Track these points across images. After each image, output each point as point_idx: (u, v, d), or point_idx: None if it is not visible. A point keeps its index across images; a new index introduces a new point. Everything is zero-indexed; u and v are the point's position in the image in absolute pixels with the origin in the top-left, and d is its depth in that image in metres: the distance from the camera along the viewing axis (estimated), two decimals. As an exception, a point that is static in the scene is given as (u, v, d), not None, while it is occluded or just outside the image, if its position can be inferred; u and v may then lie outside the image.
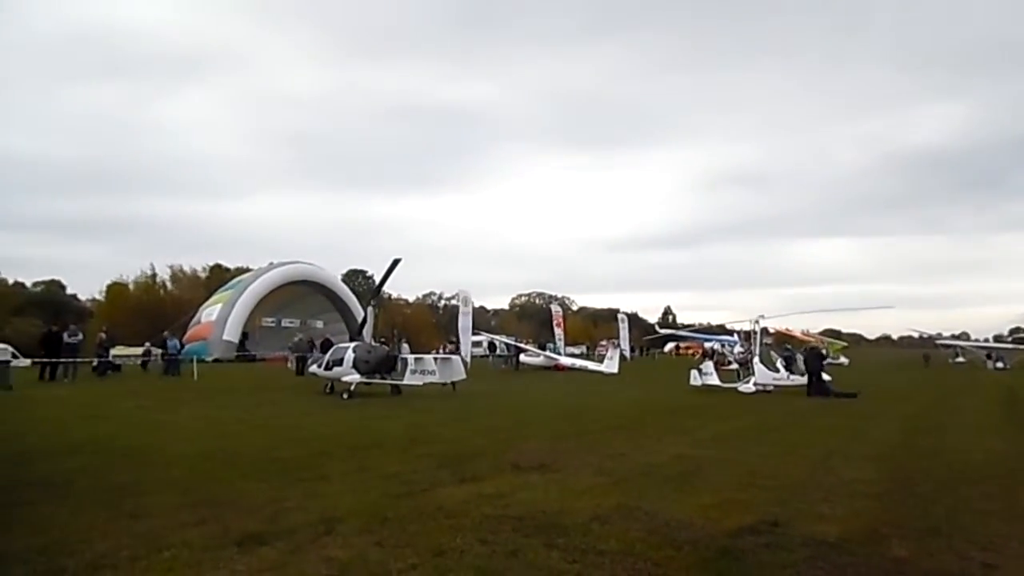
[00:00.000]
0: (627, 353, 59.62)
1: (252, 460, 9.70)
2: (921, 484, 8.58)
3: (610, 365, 36.80)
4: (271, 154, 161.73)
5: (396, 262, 22.00)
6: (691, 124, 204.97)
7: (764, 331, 29.34)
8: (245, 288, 46.77)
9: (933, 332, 78.84)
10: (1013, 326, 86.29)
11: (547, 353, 43.32)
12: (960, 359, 61.62)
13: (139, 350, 36.60)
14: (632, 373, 38.62)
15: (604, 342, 67.02)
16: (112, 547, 5.58)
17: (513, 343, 45.57)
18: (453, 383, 21.70)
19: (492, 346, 48.72)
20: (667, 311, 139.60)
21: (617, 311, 76.18)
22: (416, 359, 22.51)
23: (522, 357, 41.51)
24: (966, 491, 8.16)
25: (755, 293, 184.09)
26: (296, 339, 40.68)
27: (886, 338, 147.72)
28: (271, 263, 52.80)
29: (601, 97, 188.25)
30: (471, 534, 6.05)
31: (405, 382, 21.18)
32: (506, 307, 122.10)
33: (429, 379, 21.09)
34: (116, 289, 61.35)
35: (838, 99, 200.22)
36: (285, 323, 50.52)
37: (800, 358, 27.38)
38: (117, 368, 30.92)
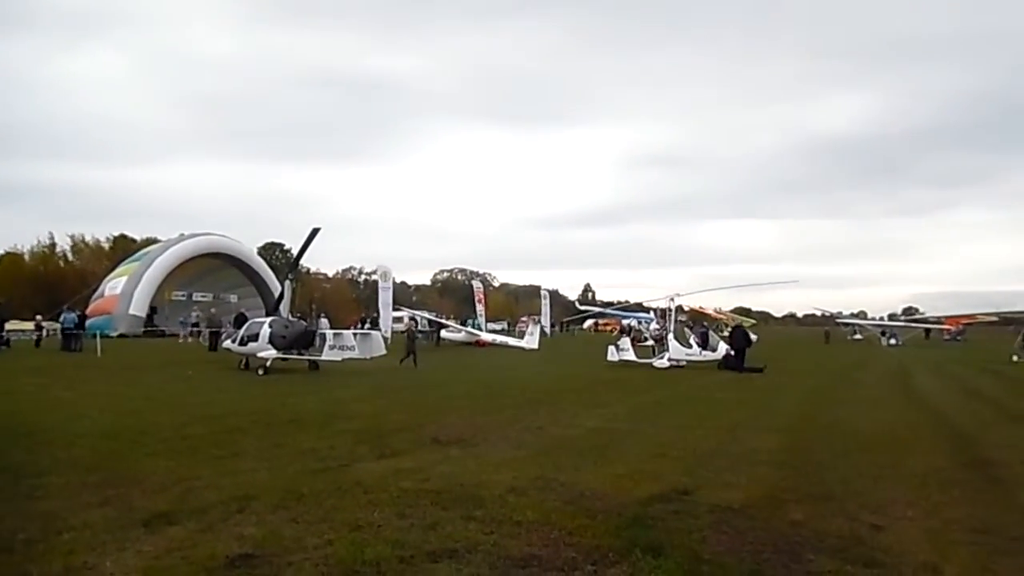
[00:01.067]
0: (547, 329, 60.44)
1: (160, 438, 9.36)
2: (818, 453, 9.12)
3: (531, 341, 37.24)
4: (183, 119, 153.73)
5: (315, 231, 21.47)
6: (615, 104, 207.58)
7: (679, 308, 30.24)
8: (153, 260, 44.63)
9: (834, 311, 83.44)
10: (906, 305, 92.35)
11: (468, 329, 43.41)
12: (858, 336, 65.37)
13: (30, 324, 34.56)
14: (552, 349, 39.19)
15: (525, 318, 67.58)
16: (6, 530, 5.30)
17: (435, 319, 45.40)
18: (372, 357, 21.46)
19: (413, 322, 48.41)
20: (587, 288, 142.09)
21: (539, 288, 76.94)
22: (335, 334, 22.15)
23: (443, 333, 41.44)
24: (858, 459, 8.73)
25: (671, 271, 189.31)
26: (194, 314, 39.32)
27: (791, 316, 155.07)
28: (181, 234, 50.52)
29: (528, 74, 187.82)
30: (389, 508, 6.05)
31: (324, 358, 20.83)
32: (428, 283, 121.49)
33: (348, 355, 20.80)
34: (9, 259, 57.56)
35: (752, 85, 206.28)
36: (197, 297, 48.55)
37: (713, 335, 28.47)
38: (6, 344, 28.95)
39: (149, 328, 42.59)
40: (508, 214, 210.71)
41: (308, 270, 77.85)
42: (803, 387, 19.16)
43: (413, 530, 5.49)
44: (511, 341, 40.61)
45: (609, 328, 72.77)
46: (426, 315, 49.73)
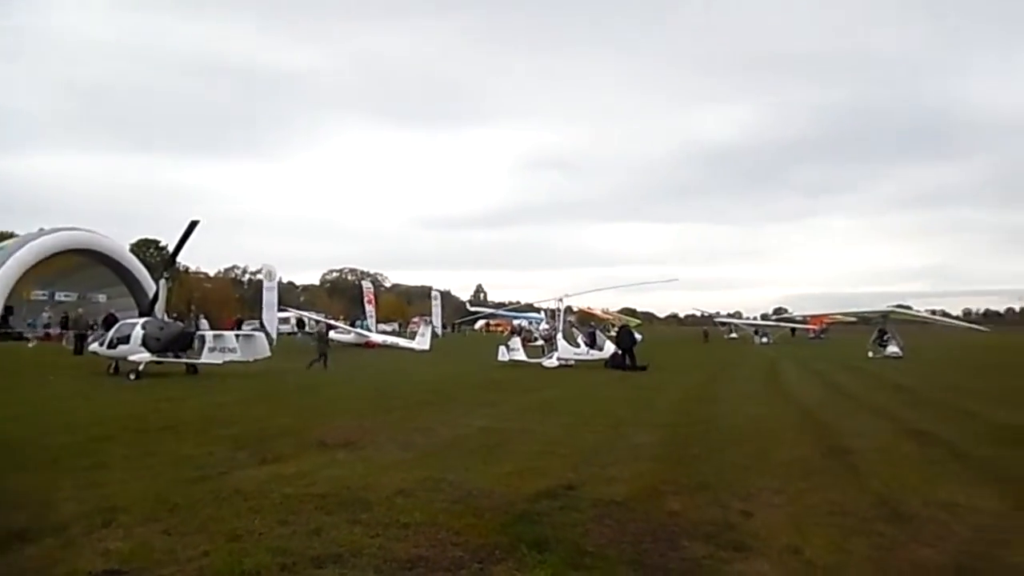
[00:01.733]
0: (439, 330, 60.26)
1: (15, 449, 8.63)
2: (695, 447, 9.57)
3: (422, 342, 37.00)
4: (47, 105, 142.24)
5: (193, 225, 20.38)
6: (510, 106, 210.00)
7: (568, 309, 30.94)
8: (8, 256, 40.93)
9: (713, 311, 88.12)
10: (776, 306, 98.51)
11: (358, 330, 42.60)
12: (734, 335, 69.21)
13: None
14: (443, 350, 39.09)
15: (416, 319, 67.17)
16: None
17: (323, 319, 44.22)
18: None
19: (300, 323, 46.99)
20: (479, 289, 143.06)
21: (431, 289, 76.59)
22: (215, 336, 21.16)
23: (332, 334, 40.47)
24: (731, 451, 9.24)
25: (562, 273, 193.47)
26: (45, 315, 36.67)
27: (674, 316, 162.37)
28: (41, 229, 46.66)
29: (424, 73, 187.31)
30: (271, 515, 5.85)
31: (203, 361, 19.85)
32: (317, 283, 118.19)
33: (230, 357, 19.91)
34: None
35: (642, 93, 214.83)
36: (60, 297, 44.97)
37: (600, 334, 29.33)
38: None
39: (4, 330, 39.09)
40: (401, 214, 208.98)
41: (187, 268, 73.89)
42: (683, 384, 20.06)
43: (296, 537, 5.33)
44: (402, 342, 40.21)
45: (500, 329, 73.46)
46: (314, 316, 48.41)
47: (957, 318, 68.19)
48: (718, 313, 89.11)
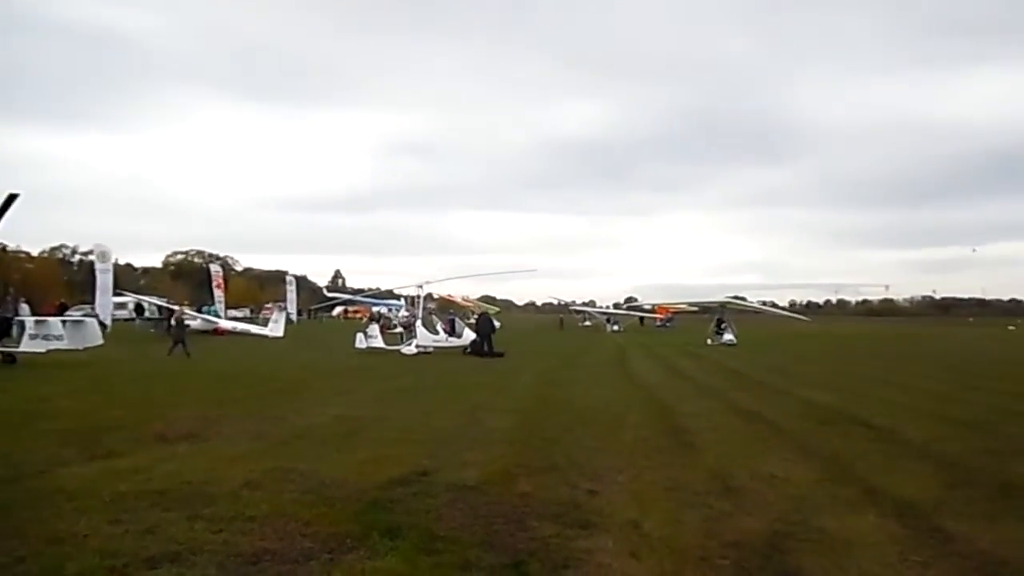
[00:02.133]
0: (294, 317, 58.18)
1: None
2: (548, 430, 9.91)
3: (275, 329, 35.61)
4: None
5: (11, 199, 18.22)
6: (372, 90, 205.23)
7: (429, 296, 30.87)
8: None
9: (568, 299, 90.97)
10: (628, 295, 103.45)
11: (205, 316, 40.20)
12: (587, 323, 71.92)
13: None
14: (298, 337, 37.82)
15: (270, 305, 64.34)
16: None
17: (165, 304, 41.33)
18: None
19: (139, 308, 43.62)
20: (337, 275, 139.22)
21: (285, 273, 73.66)
22: (37, 322, 19.27)
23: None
24: (580, 433, 9.64)
25: (423, 260, 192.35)
26: None
27: (532, 304, 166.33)
28: None
29: (284, 51, 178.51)
30: (99, 515, 5.44)
31: (22, 349, 18.00)
32: (159, 265, 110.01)
33: (55, 345, 18.18)
34: None
35: (504, 83, 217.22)
36: None
37: (459, 321, 29.51)
38: None
39: None
40: (255, 195, 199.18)
41: (4, 247, 66.36)
42: (538, 369, 20.64)
43: (128, 536, 4.99)
44: (254, 329, 38.47)
45: (359, 315, 71.95)
46: (155, 300, 45.15)
47: (784, 308, 74.68)
48: (574, 301, 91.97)
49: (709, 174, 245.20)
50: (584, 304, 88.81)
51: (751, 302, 52.36)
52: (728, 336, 36.65)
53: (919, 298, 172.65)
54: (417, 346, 25.98)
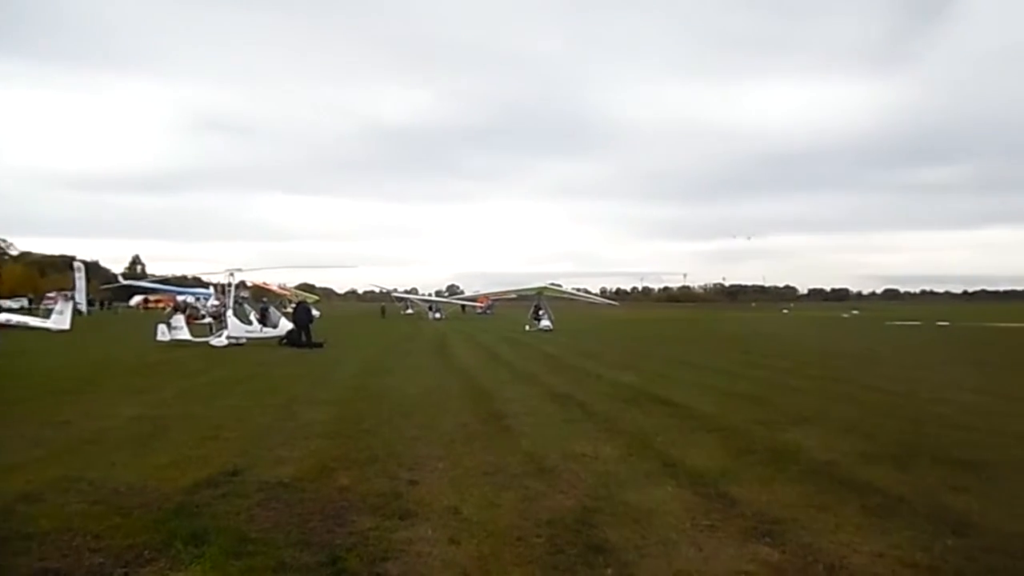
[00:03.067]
0: (83, 307, 52.55)
1: None
2: (367, 420, 9.77)
3: (59, 321, 31.96)
4: None
5: None
6: (181, 60, 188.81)
7: (241, 284, 29.23)
8: None
9: (390, 287, 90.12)
10: (450, 283, 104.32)
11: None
12: (410, 311, 71.82)
13: None
14: (89, 330, 34.25)
15: (53, 294, 57.57)
16: None
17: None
18: None
19: None
20: (135, 261, 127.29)
21: (72, 258, 66.09)
22: None
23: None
24: (401, 423, 9.61)
25: (235, 245, 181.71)
26: None
27: (353, 292, 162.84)
28: None
29: (73, 11, 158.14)
30: None
31: None
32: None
33: None
34: None
35: (326, 65, 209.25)
36: None
37: (274, 311, 28.22)
38: None
39: None
40: (34, 169, 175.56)
41: None
42: (359, 359, 20.27)
43: None
44: (33, 321, 34.21)
45: (162, 305, 66.37)
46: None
47: (596, 295, 78.98)
48: (396, 289, 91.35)
49: (526, 165, 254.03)
50: (406, 292, 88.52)
51: (566, 289, 54.82)
52: (545, 322, 38.19)
53: (712, 285, 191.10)
54: (228, 337, 24.51)
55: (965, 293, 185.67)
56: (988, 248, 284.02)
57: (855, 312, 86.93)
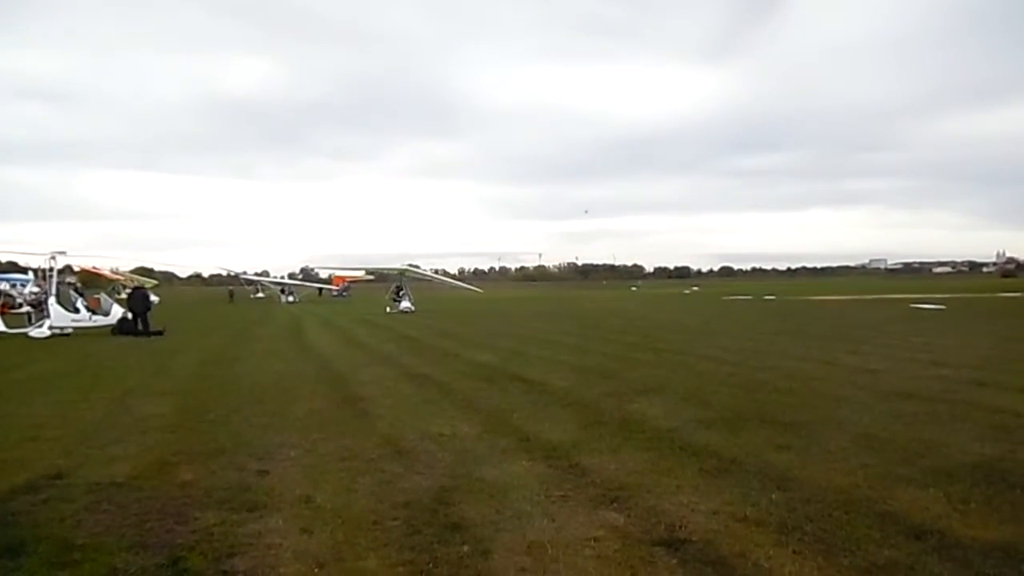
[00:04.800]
0: None
1: None
2: (213, 411, 9.24)
3: None
4: None
5: None
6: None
7: (67, 269, 26.66)
8: None
9: (239, 270, 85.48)
10: (303, 265, 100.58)
11: None
12: (260, 294, 68.58)
13: None
14: None
15: None
16: None
17: None
18: None
19: None
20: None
21: None
22: None
23: None
24: (250, 411, 9.17)
25: (58, 226, 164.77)
26: None
27: (197, 276, 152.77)
28: None
29: None
30: None
31: None
32: None
33: None
34: None
35: (161, 30, 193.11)
36: None
37: (105, 297, 26.03)
38: None
39: None
40: None
41: None
42: (203, 346, 19.13)
43: None
44: None
45: (-31, 293, 59.15)
46: None
47: (454, 276, 79.36)
48: (245, 272, 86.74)
49: (384, 144, 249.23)
50: (257, 275, 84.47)
51: (425, 271, 54.57)
52: (406, 304, 37.81)
53: (565, 264, 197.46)
54: (50, 327, 22.27)
55: (789, 270, 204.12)
56: (809, 229, 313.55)
57: (695, 288, 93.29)
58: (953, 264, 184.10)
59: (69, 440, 7.58)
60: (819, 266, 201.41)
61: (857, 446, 6.88)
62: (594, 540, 4.58)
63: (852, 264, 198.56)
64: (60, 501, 5.43)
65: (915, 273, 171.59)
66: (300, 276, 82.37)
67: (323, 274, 78.26)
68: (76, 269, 43.56)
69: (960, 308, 34.83)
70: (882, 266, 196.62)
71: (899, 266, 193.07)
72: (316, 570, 4.17)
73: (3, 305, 29.74)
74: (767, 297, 53.81)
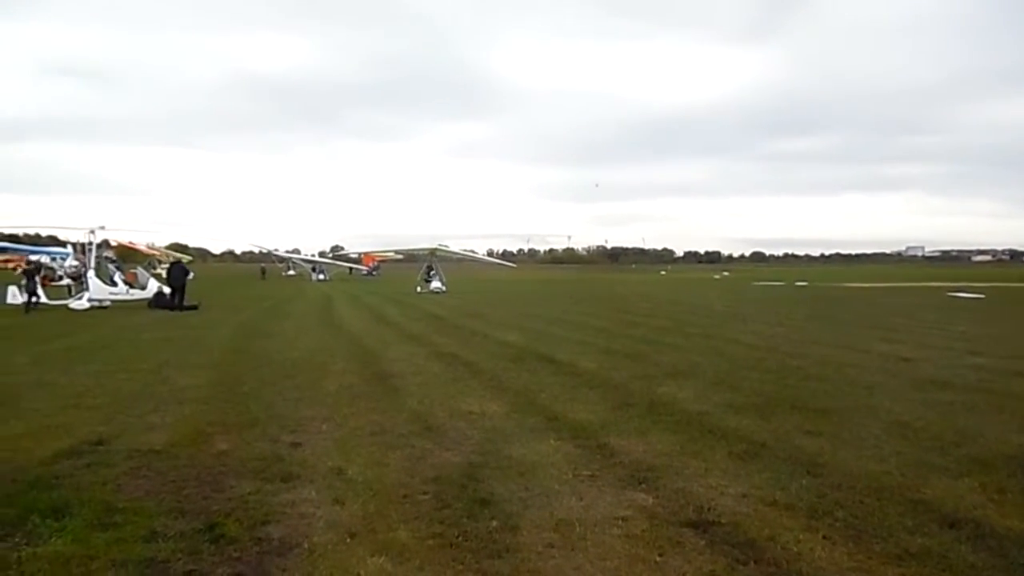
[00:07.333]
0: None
1: None
2: (246, 384, 9.42)
3: None
4: None
5: None
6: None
7: (105, 243, 27.27)
8: None
9: (271, 247, 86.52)
10: (334, 244, 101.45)
11: None
12: (291, 272, 69.41)
13: None
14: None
15: None
16: None
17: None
18: None
19: None
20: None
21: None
22: None
23: None
24: (282, 385, 9.33)
25: (96, 200, 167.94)
26: None
27: (230, 252, 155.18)
28: None
29: None
30: None
31: None
32: None
33: None
34: None
35: (197, 8, 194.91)
36: None
37: (142, 271, 26.57)
38: None
39: None
40: None
41: None
42: (237, 322, 19.45)
43: None
44: None
45: (12, 266, 60.73)
46: None
47: (483, 256, 79.28)
48: (277, 249, 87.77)
49: (416, 124, 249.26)
50: (288, 252, 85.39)
51: (456, 250, 54.66)
52: (436, 283, 37.93)
53: (595, 247, 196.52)
54: (90, 299, 22.84)
55: (822, 256, 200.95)
56: (843, 215, 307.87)
57: (726, 273, 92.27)
58: (993, 252, 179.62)
59: (109, 408, 7.80)
60: (853, 253, 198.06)
61: (890, 434, 6.79)
62: (622, 519, 4.60)
63: (888, 251, 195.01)
64: (101, 466, 5.60)
65: (953, 261, 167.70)
66: (331, 255, 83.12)
67: (353, 254, 78.84)
68: (113, 244, 44.44)
69: (999, 297, 34.02)
70: (919, 253, 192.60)
71: (937, 254, 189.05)
72: (348, 539, 4.25)
73: (44, 277, 30.47)
74: (799, 283, 53.04)
